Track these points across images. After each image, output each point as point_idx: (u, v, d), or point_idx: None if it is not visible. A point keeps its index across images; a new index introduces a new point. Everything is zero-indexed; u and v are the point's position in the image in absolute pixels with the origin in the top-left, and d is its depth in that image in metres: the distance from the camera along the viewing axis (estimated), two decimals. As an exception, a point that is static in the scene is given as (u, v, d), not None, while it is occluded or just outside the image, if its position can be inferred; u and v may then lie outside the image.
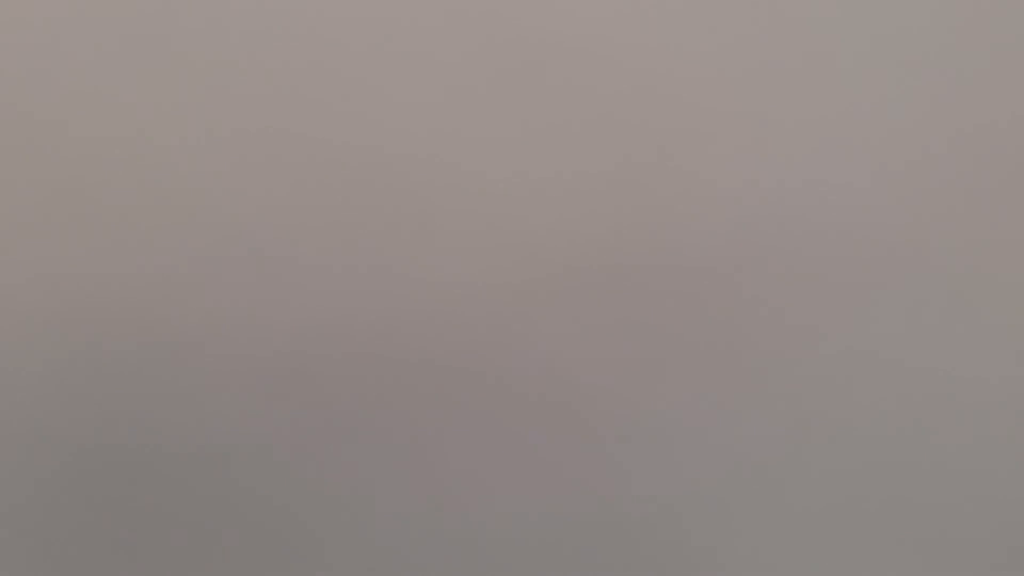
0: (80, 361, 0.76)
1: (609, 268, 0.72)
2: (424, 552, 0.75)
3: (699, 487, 0.73)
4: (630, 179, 0.71)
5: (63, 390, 0.76)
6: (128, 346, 0.75)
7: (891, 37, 0.69)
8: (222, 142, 0.74)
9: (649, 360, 0.72)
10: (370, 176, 0.73)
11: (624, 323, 0.72)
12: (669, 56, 0.70)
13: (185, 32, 0.74)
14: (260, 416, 0.75)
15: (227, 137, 0.74)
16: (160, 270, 0.75)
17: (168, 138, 0.75)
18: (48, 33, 0.75)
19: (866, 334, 0.70)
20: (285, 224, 0.74)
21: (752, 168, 0.70)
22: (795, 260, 0.71)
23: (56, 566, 0.77)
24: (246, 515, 0.76)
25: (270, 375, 0.75)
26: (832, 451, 0.71)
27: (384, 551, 0.76)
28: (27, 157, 0.76)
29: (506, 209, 0.73)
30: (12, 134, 0.75)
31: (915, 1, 0.69)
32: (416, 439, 0.75)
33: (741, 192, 0.71)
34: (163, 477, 0.76)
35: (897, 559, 0.72)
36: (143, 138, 0.75)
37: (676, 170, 0.71)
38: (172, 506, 0.76)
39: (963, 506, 0.71)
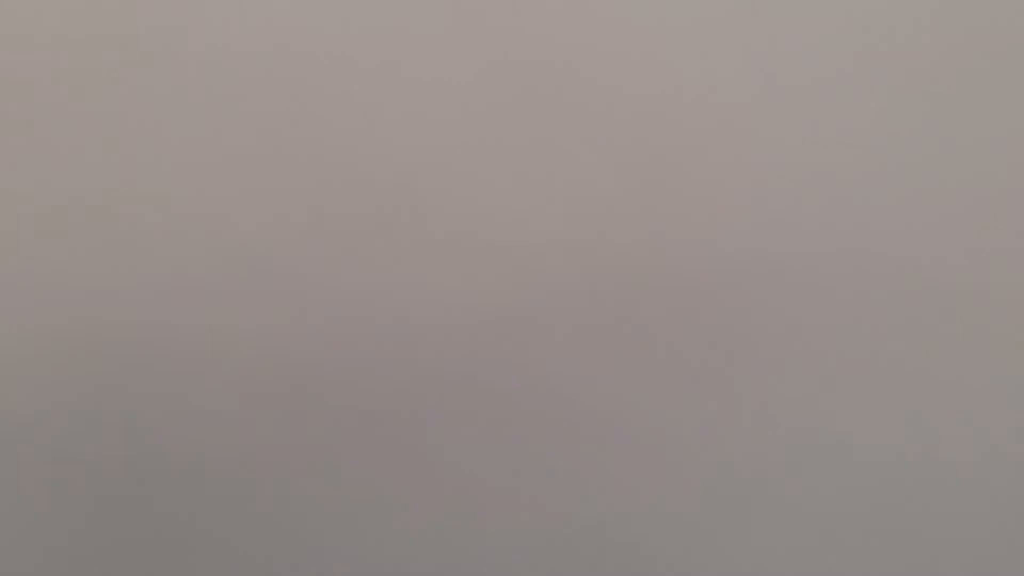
0: (83, 371, 0.76)
1: (612, 283, 0.72)
2: (427, 560, 0.76)
3: (700, 501, 0.73)
4: (633, 197, 0.71)
5: (66, 400, 0.76)
6: (131, 357, 0.76)
7: (897, 57, 0.69)
8: (226, 155, 0.74)
9: (651, 375, 0.72)
10: (373, 189, 0.73)
11: (627, 338, 0.72)
12: (674, 74, 0.70)
13: (192, 47, 0.74)
14: (264, 427, 0.76)
15: (231, 150, 0.74)
16: (163, 281, 0.75)
17: (171, 151, 0.75)
18: (52, 48, 0.75)
19: (867, 353, 0.71)
20: (289, 236, 0.74)
21: (755, 186, 0.70)
22: (797, 278, 0.71)
23: (58, 574, 0.77)
24: (248, 525, 0.76)
25: (273, 387, 0.75)
26: (830, 469, 0.72)
27: (386, 560, 0.76)
28: (32, 170, 0.76)
29: (510, 225, 0.73)
30: (17, 146, 0.75)
31: (920, 22, 0.69)
32: (420, 450, 0.75)
33: (743, 210, 0.71)
34: (164, 487, 0.77)
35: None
36: (146, 151, 0.75)
37: (678, 188, 0.71)
38: (173, 516, 0.77)
39: (962, 525, 0.71)
